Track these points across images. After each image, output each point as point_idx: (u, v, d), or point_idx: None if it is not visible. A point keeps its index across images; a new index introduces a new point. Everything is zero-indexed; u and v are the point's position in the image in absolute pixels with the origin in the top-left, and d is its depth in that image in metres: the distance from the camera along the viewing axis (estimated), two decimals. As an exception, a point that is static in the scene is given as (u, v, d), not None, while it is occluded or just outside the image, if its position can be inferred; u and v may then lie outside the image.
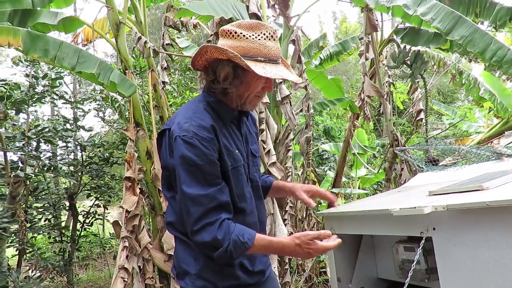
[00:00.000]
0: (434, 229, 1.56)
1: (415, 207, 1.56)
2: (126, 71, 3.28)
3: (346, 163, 7.98)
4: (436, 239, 1.54)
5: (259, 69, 1.25)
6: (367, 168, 5.17)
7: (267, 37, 1.30)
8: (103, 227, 8.20)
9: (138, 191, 3.08)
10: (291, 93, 2.93)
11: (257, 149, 1.54)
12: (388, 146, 3.99)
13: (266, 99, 2.62)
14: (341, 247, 2.28)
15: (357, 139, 4.88)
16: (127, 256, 2.90)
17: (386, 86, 4.32)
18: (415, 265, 1.95)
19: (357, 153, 5.11)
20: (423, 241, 1.59)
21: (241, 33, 1.29)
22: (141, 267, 2.99)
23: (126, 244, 2.92)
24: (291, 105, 2.82)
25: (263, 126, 2.62)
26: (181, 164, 1.24)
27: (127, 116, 5.00)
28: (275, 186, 1.71)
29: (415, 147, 2.99)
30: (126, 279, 2.82)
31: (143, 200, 3.14)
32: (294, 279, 4.35)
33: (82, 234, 6.19)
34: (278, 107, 2.86)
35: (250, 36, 1.29)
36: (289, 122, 2.75)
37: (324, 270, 4.66)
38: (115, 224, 3.00)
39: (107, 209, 6.57)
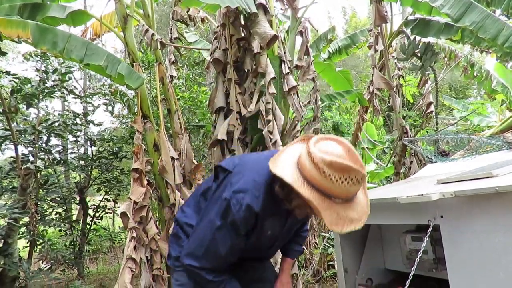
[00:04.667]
0: (442, 216, 1.53)
1: (422, 195, 1.54)
2: (134, 64, 3.29)
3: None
4: (444, 226, 1.52)
5: (330, 217, 1.21)
6: (376, 163, 5.11)
7: (354, 183, 1.22)
8: (113, 221, 8.29)
9: (145, 182, 3.09)
10: (298, 85, 2.91)
11: (297, 226, 1.68)
12: (398, 139, 3.94)
13: (272, 89, 2.60)
14: (348, 238, 2.27)
15: (366, 133, 4.83)
16: (134, 247, 2.92)
17: (396, 78, 4.26)
18: (423, 255, 1.92)
19: (366, 147, 5.06)
20: (430, 229, 1.57)
21: (329, 175, 1.19)
22: (149, 258, 3.01)
23: (134, 234, 2.93)
24: (298, 96, 2.80)
25: (270, 117, 2.60)
26: (215, 223, 1.37)
27: (135, 110, 5.03)
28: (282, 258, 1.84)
29: (424, 138, 2.95)
30: (134, 269, 2.84)
31: (151, 191, 3.15)
32: (302, 273, 4.33)
33: (92, 227, 6.27)
34: (285, 98, 2.84)
35: (337, 180, 1.20)
36: (296, 113, 2.73)
37: (332, 263, 4.63)
38: (123, 215, 3.01)
39: (117, 203, 6.63)
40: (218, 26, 2.90)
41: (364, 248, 2.29)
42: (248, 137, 2.80)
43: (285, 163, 1.30)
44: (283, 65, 2.77)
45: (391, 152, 5.98)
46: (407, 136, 3.92)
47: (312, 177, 1.21)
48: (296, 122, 2.82)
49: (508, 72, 4.93)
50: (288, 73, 2.75)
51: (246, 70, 2.85)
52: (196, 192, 1.69)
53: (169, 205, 3.25)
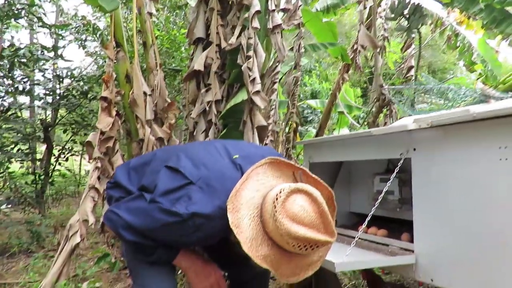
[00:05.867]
0: (414, 149, 1.52)
1: (397, 126, 1.51)
2: (109, -15, 3.04)
3: (330, 126, 7.96)
4: (416, 159, 1.51)
5: (287, 270, 1.15)
6: (351, 125, 5.14)
7: (320, 248, 1.16)
8: (80, 165, 8.07)
9: (114, 113, 2.95)
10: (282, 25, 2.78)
11: None
12: (375, 100, 3.94)
13: (256, 23, 2.47)
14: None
15: (345, 94, 4.81)
16: (98, 177, 2.81)
17: (381, 39, 4.21)
18: (389, 195, 1.94)
19: (343, 111, 5.06)
20: (401, 161, 1.56)
21: (293, 245, 1.10)
22: (113, 190, 2.92)
23: (99, 165, 2.82)
24: (282, 37, 2.69)
25: (250, 53, 2.49)
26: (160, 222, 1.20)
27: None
28: None
29: (403, 87, 2.95)
30: (96, 199, 2.75)
31: (119, 123, 3.01)
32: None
33: (56, 168, 6.06)
34: (269, 37, 2.72)
35: (302, 249, 1.11)
36: (278, 53, 2.63)
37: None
38: (88, 144, 2.88)
39: (84, 146, 6.41)
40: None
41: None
42: (226, 73, 2.69)
43: (245, 211, 1.15)
44: (269, 1, 2.63)
45: (367, 121, 6.03)
46: (385, 98, 3.93)
47: (275, 238, 1.12)
48: (277, 63, 2.73)
49: (489, 49, 5.00)
50: (274, 10, 2.62)
51: (230, 2, 2.69)
52: (144, 160, 1.50)
53: (138, 141, 3.13)
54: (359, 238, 1.67)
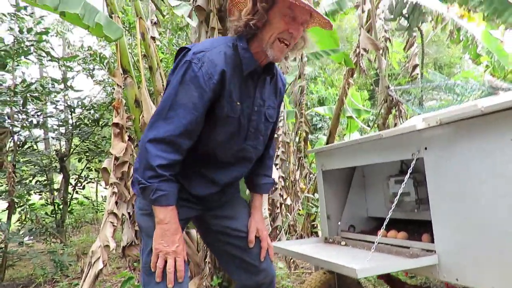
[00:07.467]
0: (426, 148, 1.52)
1: (406, 126, 1.52)
2: (112, 15, 3.15)
3: (340, 132, 7.94)
4: (428, 158, 1.51)
5: None
6: (361, 128, 5.12)
7: None
8: (96, 192, 8.18)
9: (126, 138, 3.01)
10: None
11: (272, 114, 1.50)
12: (383, 102, 3.93)
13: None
14: (332, 185, 2.27)
15: (352, 98, 4.81)
16: (116, 202, 2.86)
17: (382, 41, 4.22)
18: (405, 197, 1.92)
19: (352, 115, 5.05)
20: (413, 162, 1.56)
21: None
22: (131, 214, 2.96)
23: (115, 190, 2.87)
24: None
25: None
26: (175, 82, 1.28)
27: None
28: (252, 195, 1.65)
29: (409, 86, 2.94)
30: (115, 224, 2.79)
31: (132, 148, 3.07)
32: (286, 239, 4.37)
33: (73, 197, 6.17)
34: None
35: None
36: (281, 65, 2.67)
37: (315, 230, 4.68)
38: (104, 170, 2.94)
39: (99, 173, 6.52)
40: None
41: (347, 196, 2.29)
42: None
43: None
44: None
45: (375, 121, 6.00)
46: (392, 99, 3.91)
47: None
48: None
49: (493, 40, 4.96)
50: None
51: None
52: None
53: (151, 163, 3.19)
54: (379, 243, 1.67)
